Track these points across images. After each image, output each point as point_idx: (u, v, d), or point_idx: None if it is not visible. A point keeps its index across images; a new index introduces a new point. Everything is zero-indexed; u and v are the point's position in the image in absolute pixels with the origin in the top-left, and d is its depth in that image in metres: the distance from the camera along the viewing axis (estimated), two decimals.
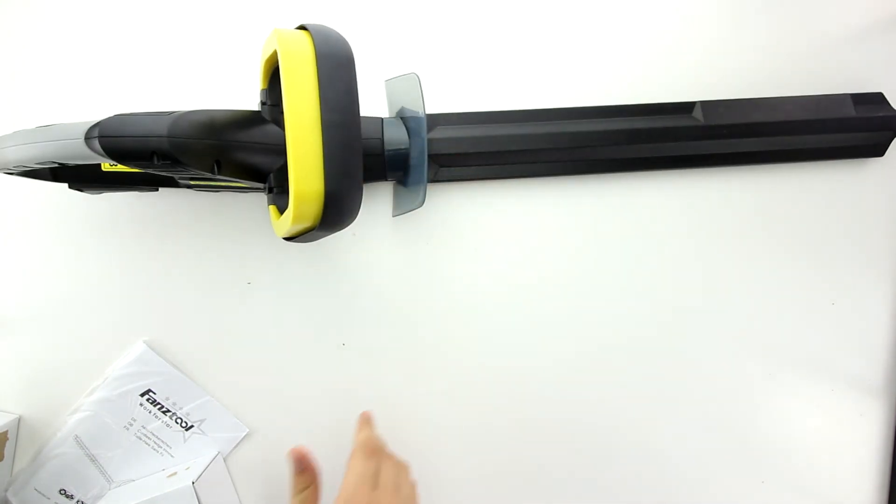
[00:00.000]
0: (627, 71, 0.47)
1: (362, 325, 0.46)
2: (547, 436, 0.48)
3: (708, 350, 0.48)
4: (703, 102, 0.46)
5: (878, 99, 0.47)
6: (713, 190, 0.48)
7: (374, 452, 0.40)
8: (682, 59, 0.47)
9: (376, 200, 0.45)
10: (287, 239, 0.34)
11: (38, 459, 0.43)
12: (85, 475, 0.44)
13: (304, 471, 0.38)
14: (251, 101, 0.36)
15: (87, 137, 0.27)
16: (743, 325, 0.49)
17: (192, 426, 0.45)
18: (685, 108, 0.46)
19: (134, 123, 0.28)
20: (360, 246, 0.45)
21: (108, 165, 0.37)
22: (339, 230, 0.32)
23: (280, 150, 0.30)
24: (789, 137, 0.46)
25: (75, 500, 0.44)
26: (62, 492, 0.44)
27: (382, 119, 0.41)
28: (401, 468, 0.41)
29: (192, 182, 0.36)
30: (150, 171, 0.30)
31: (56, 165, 0.30)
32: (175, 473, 0.43)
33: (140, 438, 0.44)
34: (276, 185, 0.32)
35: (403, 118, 0.42)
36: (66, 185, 0.37)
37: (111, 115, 0.28)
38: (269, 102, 0.34)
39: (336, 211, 0.30)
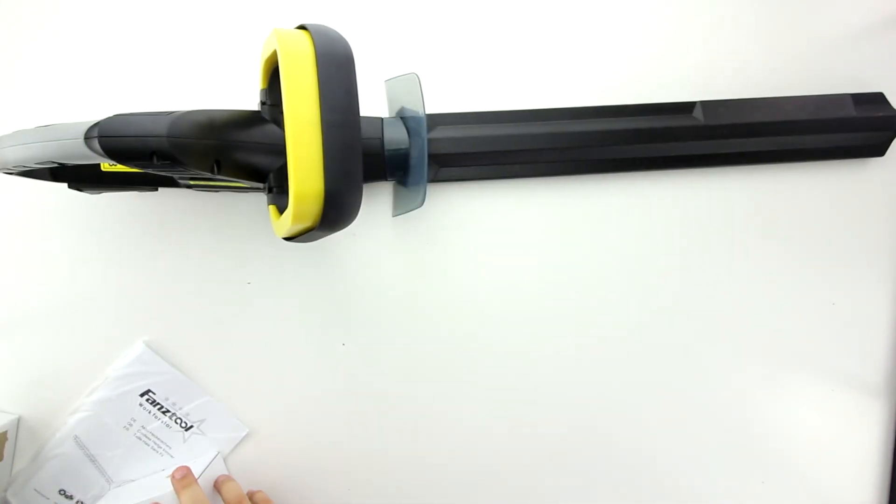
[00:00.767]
0: (627, 71, 0.47)
1: (362, 325, 0.46)
2: (547, 435, 0.48)
3: (708, 350, 0.48)
4: (703, 102, 0.46)
5: (879, 99, 0.47)
6: (713, 190, 0.48)
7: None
8: (682, 59, 0.47)
9: (376, 200, 0.45)
10: (287, 239, 0.34)
11: (37, 460, 0.43)
12: (85, 475, 0.44)
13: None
14: (251, 101, 0.36)
15: (87, 137, 0.27)
16: (743, 324, 0.49)
17: (191, 426, 0.45)
18: (685, 108, 0.46)
19: (134, 123, 0.28)
20: (360, 246, 0.45)
21: (107, 165, 0.37)
22: (339, 230, 0.32)
23: (280, 150, 0.30)
24: (789, 137, 0.46)
25: (75, 500, 0.44)
26: (62, 492, 0.43)
27: (382, 119, 0.41)
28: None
29: (192, 182, 0.36)
30: (149, 171, 0.30)
31: (56, 165, 0.30)
32: None
33: (140, 439, 0.44)
34: (276, 185, 0.32)
35: (403, 118, 0.42)
36: (65, 185, 0.37)
37: (111, 115, 0.28)
38: (268, 102, 0.34)
39: (336, 211, 0.30)
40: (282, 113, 0.28)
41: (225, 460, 0.45)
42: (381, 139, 0.40)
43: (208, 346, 0.45)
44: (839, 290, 0.49)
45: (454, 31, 0.45)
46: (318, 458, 0.46)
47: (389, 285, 0.46)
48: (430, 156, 0.41)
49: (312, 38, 0.29)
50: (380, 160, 0.41)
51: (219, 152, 0.30)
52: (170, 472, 0.42)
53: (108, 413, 0.44)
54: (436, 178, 0.44)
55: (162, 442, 0.45)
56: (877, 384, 0.50)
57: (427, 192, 0.41)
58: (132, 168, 0.32)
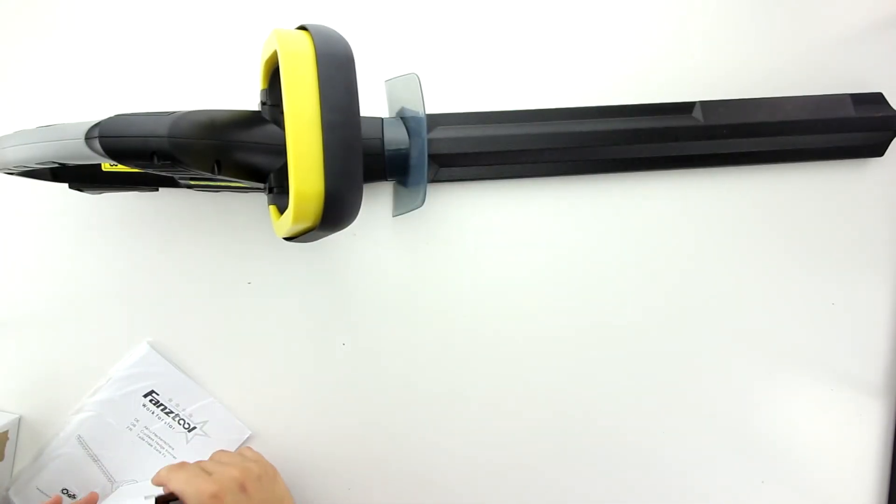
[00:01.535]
0: (627, 71, 0.47)
1: (362, 325, 0.46)
2: (547, 435, 0.48)
3: (708, 350, 0.48)
4: (703, 102, 0.46)
5: (878, 99, 0.47)
6: (713, 190, 0.48)
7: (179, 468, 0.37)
8: (682, 59, 0.47)
9: (376, 200, 0.45)
10: (287, 239, 0.34)
11: (40, 459, 0.43)
12: (87, 475, 0.44)
13: None
14: (251, 101, 0.36)
15: (88, 137, 0.28)
16: (743, 325, 0.49)
17: (194, 427, 0.45)
18: (685, 108, 0.46)
19: (134, 123, 0.28)
20: (360, 246, 0.45)
21: (108, 165, 0.37)
22: (340, 230, 0.32)
23: (280, 150, 0.30)
24: (789, 137, 0.46)
25: (77, 499, 0.44)
26: (64, 491, 0.44)
27: (382, 119, 0.42)
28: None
29: (192, 182, 0.36)
30: (150, 171, 0.30)
31: (56, 165, 0.30)
32: None
33: (143, 439, 0.44)
34: (276, 185, 0.32)
35: (403, 118, 0.42)
36: (66, 185, 0.37)
37: (111, 115, 0.28)
38: (269, 102, 0.34)
39: (336, 211, 0.30)
40: (282, 113, 0.28)
41: None
42: (382, 139, 0.40)
43: (208, 346, 0.45)
44: (839, 290, 0.49)
45: (454, 31, 0.45)
46: (318, 458, 0.46)
47: (389, 285, 0.46)
48: (430, 156, 0.41)
49: (313, 39, 0.29)
50: (380, 160, 0.41)
51: (219, 152, 0.30)
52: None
53: (112, 413, 0.44)
54: (436, 178, 0.44)
55: (165, 443, 0.45)
56: (877, 384, 0.50)
57: (427, 192, 0.41)
58: (133, 168, 0.32)
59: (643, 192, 0.47)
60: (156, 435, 0.44)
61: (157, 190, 0.40)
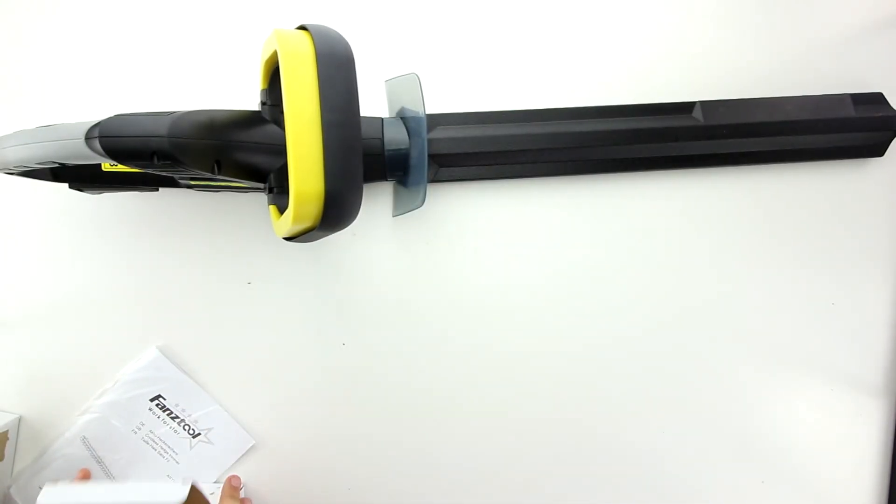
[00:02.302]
0: (627, 71, 0.47)
1: (362, 325, 0.46)
2: (547, 434, 0.48)
3: (708, 349, 0.48)
4: (703, 102, 0.46)
5: (878, 99, 0.47)
6: (713, 190, 0.48)
7: None
8: (682, 59, 0.47)
9: (376, 200, 0.45)
10: (287, 239, 0.34)
11: (44, 458, 0.43)
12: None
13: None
14: (251, 101, 0.36)
15: (88, 137, 0.28)
16: (743, 324, 0.49)
17: (199, 434, 0.45)
18: (685, 108, 0.46)
19: (134, 124, 0.28)
20: (360, 246, 0.45)
21: (108, 165, 0.37)
22: (340, 230, 0.32)
23: (280, 150, 0.30)
24: (789, 137, 0.46)
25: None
26: None
27: (382, 119, 0.42)
28: None
29: (192, 182, 0.36)
30: (150, 171, 0.30)
31: (56, 165, 0.30)
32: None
33: (147, 442, 0.44)
34: (276, 185, 0.32)
35: (403, 118, 0.42)
36: (66, 185, 0.37)
37: (111, 115, 0.28)
38: (269, 102, 0.34)
39: (336, 211, 0.30)
40: (282, 113, 0.29)
41: (230, 468, 0.45)
42: (382, 139, 0.40)
43: (209, 347, 0.45)
44: (839, 290, 0.49)
45: (454, 31, 0.45)
46: (318, 457, 0.46)
47: (390, 285, 0.46)
48: (430, 156, 0.41)
49: (313, 39, 0.29)
50: (380, 160, 0.41)
51: (219, 152, 0.30)
52: (175, 477, 0.42)
53: (117, 416, 0.44)
54: (436, 178, 0.44)
55: (169, 447, 0.45)
56: (877, 384, 0.50)
57: (427, 192, 0.41)
58: (133, 168, 0.32)
59: (643, 192, 0.47)
60: (160, 439, 0.44)
61: (157, 190, 0.40)
